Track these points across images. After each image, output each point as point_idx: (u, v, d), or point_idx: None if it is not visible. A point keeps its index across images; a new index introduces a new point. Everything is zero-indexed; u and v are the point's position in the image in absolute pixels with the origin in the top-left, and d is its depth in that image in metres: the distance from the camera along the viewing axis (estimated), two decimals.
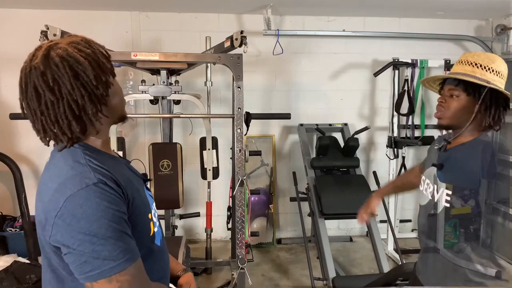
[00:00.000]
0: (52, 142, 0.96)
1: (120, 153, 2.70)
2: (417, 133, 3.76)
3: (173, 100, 3.20)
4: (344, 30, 3.76)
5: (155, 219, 1.06)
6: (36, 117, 0.90)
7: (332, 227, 4.07)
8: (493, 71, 1.36)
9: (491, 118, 1.36)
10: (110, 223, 0.85)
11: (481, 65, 1.36)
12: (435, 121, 1.52)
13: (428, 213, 1.50)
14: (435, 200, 1.45)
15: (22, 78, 0.89)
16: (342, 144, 3.60)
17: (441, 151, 1.47)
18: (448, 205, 1.39)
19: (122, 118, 1.05)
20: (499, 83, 1.36)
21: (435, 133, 3.67)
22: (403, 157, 3.61)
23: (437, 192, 1.44)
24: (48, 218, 0.87)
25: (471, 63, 1.38)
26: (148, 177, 1.20)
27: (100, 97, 0.92)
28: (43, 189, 0.93)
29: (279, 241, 3.95)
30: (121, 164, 1.04)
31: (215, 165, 3.06)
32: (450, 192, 1.38)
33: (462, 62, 1.41)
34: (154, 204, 1.13)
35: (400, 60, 3.52)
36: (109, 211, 0.85)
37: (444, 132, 1.59)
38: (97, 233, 0.83)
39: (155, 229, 1.04)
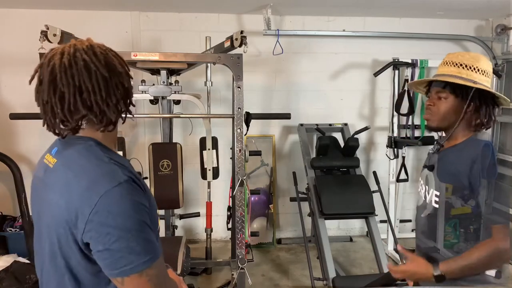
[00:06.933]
0: (49, 142, 0.97)
1: (120, 153, 2.70)
2: (417, 133, 3.77)
3: (173, 100, 3.20)
4: (344, 30, 3.76)
5: None
6: (80, 94, 0.92)
7: (332, 227, 4.07)
8: (478, 70, 1.35)
9: (482, 117, 1.36)
10: (141, 219, 0.89)
11: (466, 65, 1.36)
12: None
13: (420, 214, 1.51)
14: (427, 201, 1.47)
15: (62, 58, 0.91)
16: (342, 144, 3.60)
17: (435, 153, 1.49)
18: (437, 206, 1.41)
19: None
20: (486, 82, 1.36)
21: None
22: (403, 157, 3.61)
23: (428, 194, 1.46)
24: (79, 215, 0.87)
25: (456, 64, 1.37)
26: (143, 177, 1.21)
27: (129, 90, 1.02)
28: (63, 186, 0.91)
29: (279, 241, 3.95)
30: None
31: (215, 165, 3.06)
32: (438, 193, 1.40)
33: (447, 63, 1.41)
34: None
35: (400, 60, 3.52)
36: (140, 207, 0.90)
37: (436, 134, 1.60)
38: (131, 229, 0.87)
39: None
